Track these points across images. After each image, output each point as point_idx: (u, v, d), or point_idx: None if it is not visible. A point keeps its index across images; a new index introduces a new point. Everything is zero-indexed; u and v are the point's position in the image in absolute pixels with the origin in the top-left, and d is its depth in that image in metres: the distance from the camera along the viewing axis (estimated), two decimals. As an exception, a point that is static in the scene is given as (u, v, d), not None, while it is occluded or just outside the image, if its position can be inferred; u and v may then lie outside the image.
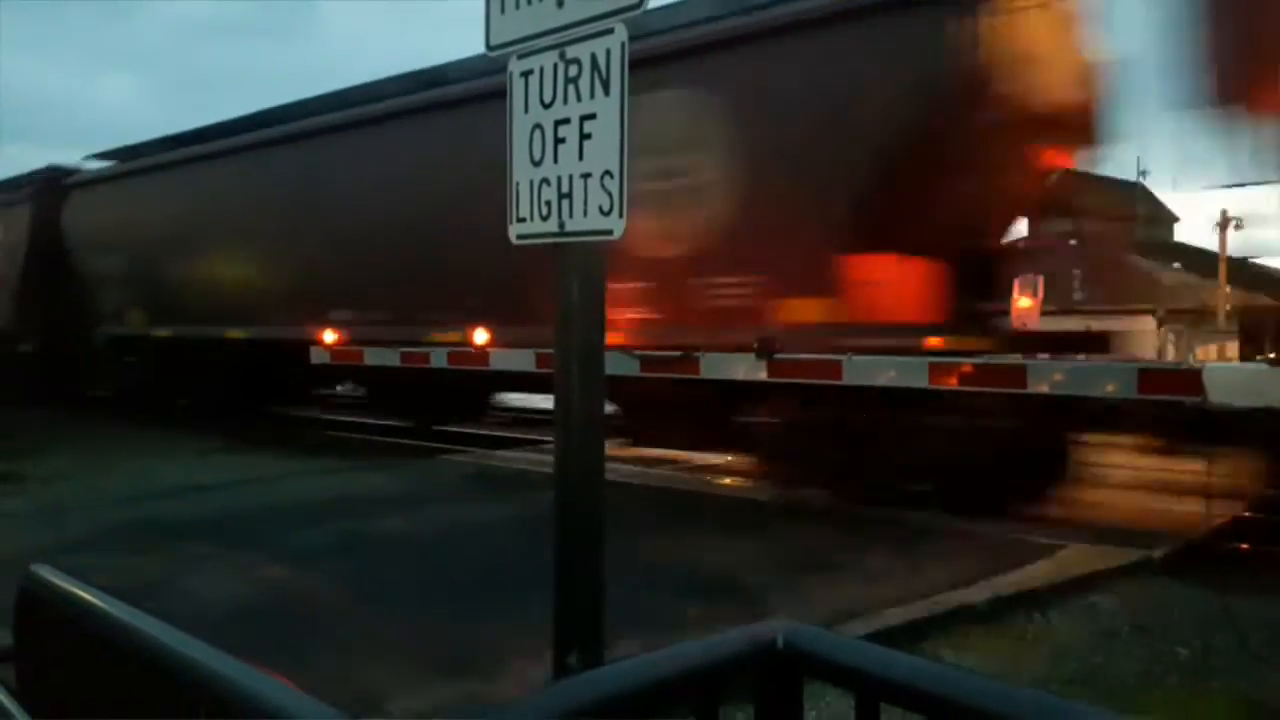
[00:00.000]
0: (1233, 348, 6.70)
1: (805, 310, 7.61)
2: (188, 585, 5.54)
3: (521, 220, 3.38)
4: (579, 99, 3.16)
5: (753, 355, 7.86)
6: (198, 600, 5.27)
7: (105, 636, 1.66)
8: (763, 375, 7.84)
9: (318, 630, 4.82)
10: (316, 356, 11.72)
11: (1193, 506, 7.13)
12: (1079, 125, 7.56)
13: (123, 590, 1.75)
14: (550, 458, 3.45)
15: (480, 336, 9.83)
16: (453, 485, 9.11)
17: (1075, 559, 6.03)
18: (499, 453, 10.96)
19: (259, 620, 4.96)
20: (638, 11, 3.00)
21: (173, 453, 11.47)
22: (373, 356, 11.21)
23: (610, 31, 3.07)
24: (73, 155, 17.23)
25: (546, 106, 3.27)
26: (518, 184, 3.38)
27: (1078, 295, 11.13)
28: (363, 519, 7.38)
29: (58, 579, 1.84)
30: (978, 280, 7.61)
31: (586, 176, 3.14)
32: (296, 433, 13.73)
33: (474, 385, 11.82)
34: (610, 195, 3.07)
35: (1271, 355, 6.28)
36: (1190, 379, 5.92)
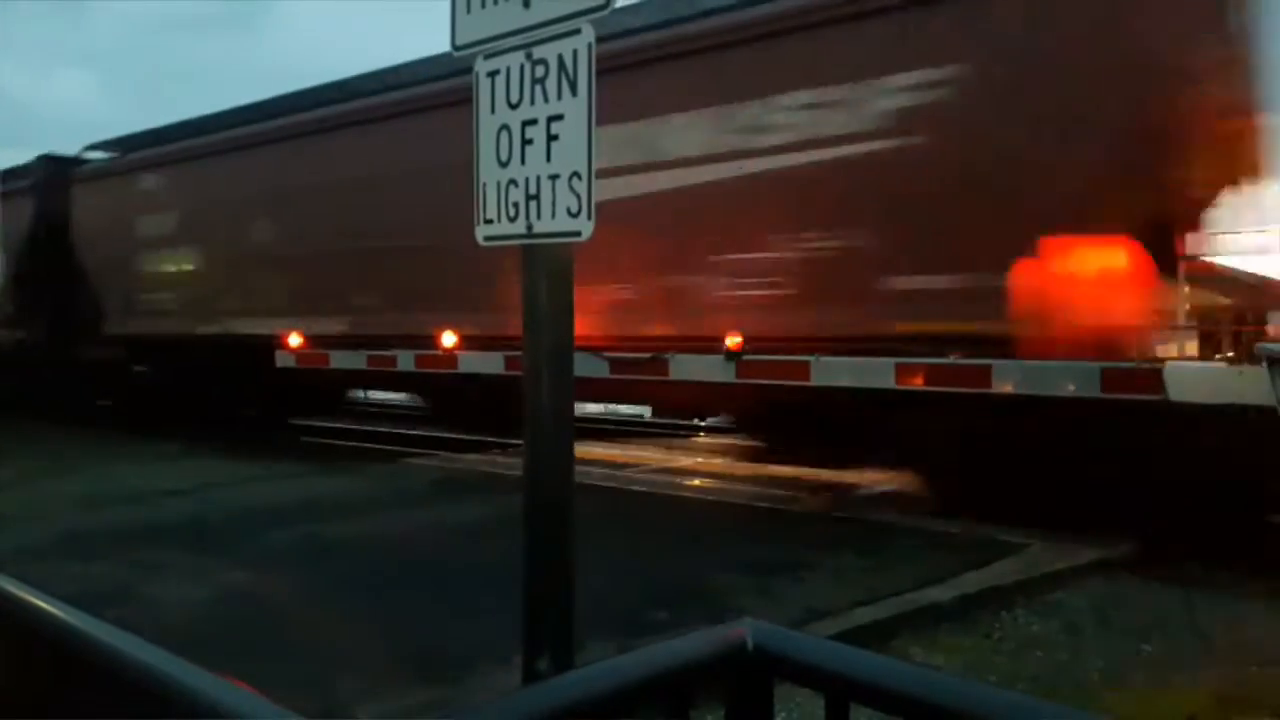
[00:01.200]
0: (1192, 346, 6.79)
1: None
2: (150, 592, 5.46)
3: (489, 221, 3.36)
4: (546, 100, 3.15)
5: (721, 357, 7.89)
6: (160, 607, 5.19)
7: (64, 647, 1.63)
8: (731, 377, 7.86)
9: (283, 636, 4.76)
10: (281, 360, 11.60)
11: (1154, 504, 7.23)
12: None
13: (83, 598, 1.72)
14: (518, 460, 3.43)
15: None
16: (419, 489, 9.05)
17: (1040, 557, 6.09)
18: (466, 456, 10.91)
19: (223, 627, 4.90)
20: (605, 12, 2.99)
21: (136, 457, 11.31)
22: (339, 360, 11.12)
23: (577, 32, 3.06)
24: (29, 154, 16.39)
25: (513, 107, 3.25)
26: (484, 185, 3.36)
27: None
28: (328, 524, 7.32)
29: (13, 587, 1.80)
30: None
31: (554, 178, 3.13)
32: (261, 437, 13.57)
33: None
34: (578, 196, 3.06)
35: (1230, 354, 6.35)
36: (1151, 377, 6.01)
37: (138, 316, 14.16)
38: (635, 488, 8.92)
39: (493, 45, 3.31)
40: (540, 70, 3.16)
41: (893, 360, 7.07)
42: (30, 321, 15.80)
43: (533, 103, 3.19)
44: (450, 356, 9.85)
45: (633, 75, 7.98)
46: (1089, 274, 6.34)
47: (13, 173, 16.46)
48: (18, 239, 15.77)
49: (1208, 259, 6.45)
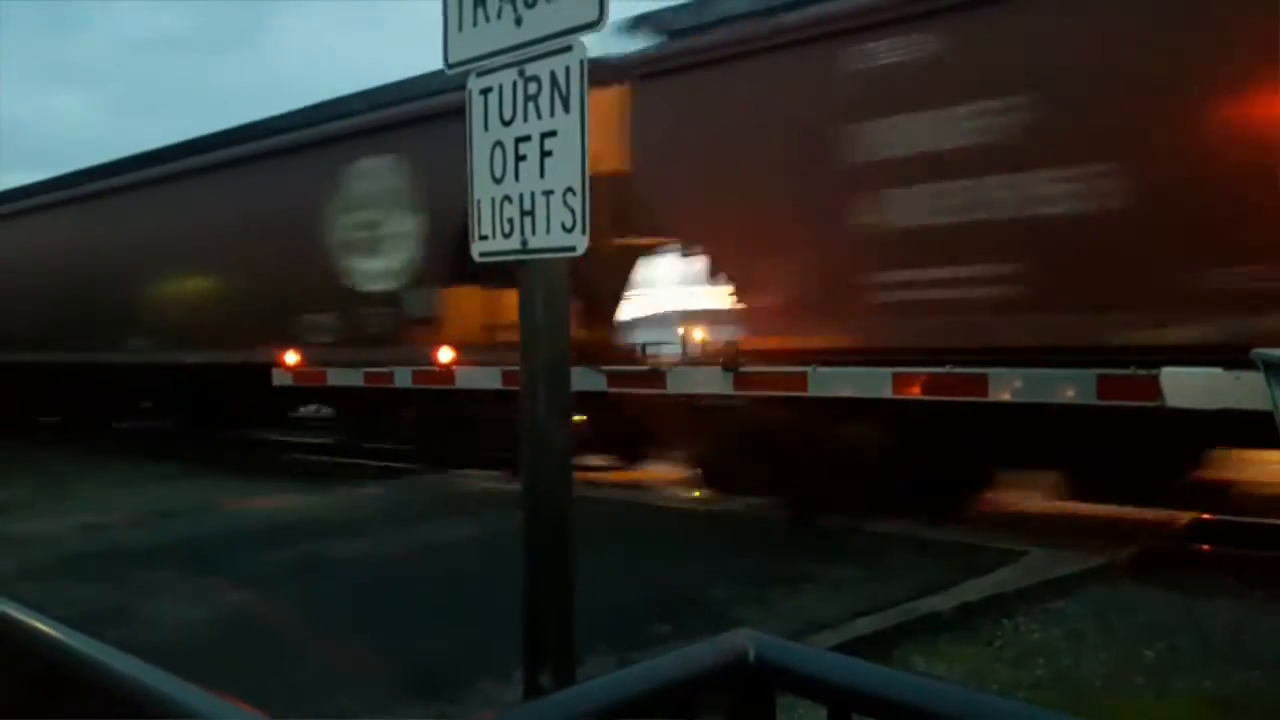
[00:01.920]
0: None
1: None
2: (150, 613, 5.44)
3: (484, 238, 3.38)
4: (539, 116, 3.17)
5: (719, 369, 7.89)
6: (161, 628, 5.17)
7: (65, 669, 1.62)
8: (729, 389, 7.86)
9: (284, 655, 4.75)
10: (278, 379, 11.58)
11: (1154, 510, 7.24)
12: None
13: (83, 619, 1.72)
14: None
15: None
16: (419, 506, 9.03)
17: (1040, 564, 6.09)
18: (466, 471, 10.89)
19: (223, 647, 4.88)
20: (597, 29, 3.01)
21: (133, 479, 11.28)
22: (336, 377, 11.10)
23: (569, 49, 3.08)
24: (26, 176, 15.82)
25: (506, 124, 3.27)
26: (479, 201, 3.38)
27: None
28: (328, 541, 7.29)
29: (14, 610, 1.80)
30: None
31: (549, 194, 3.15)
32: (257, 456, 13.55)
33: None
34: (573, 212, 3.08)
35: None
36: (1148, 383, 6.01)
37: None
38: (633, 499, 8.91)
39: (485, 63, 3.33)
40: (533, 87, 3.18)
41: (890, 370, 7.08)
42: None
43: (526, 119, 3.21)
44: (447, 372, 9.85)
45: None
46: None
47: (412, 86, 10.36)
48: (443, 189, 8.66)
49: None
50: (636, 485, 9.80)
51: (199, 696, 1.32)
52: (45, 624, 1.68)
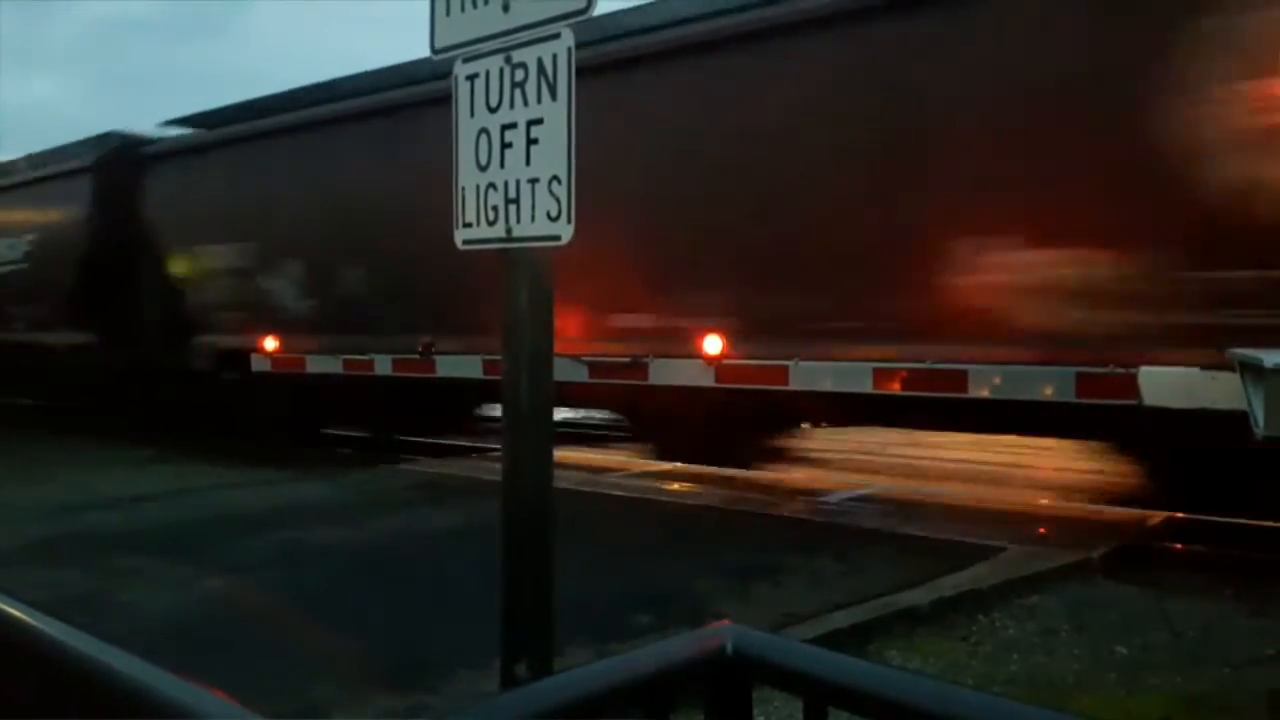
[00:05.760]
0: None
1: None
2: (124, 599, 5.40)
3: (468, 225, 3.36)
4: (525, 103, 3.15)
5: (700, 361, 7.88)
6: (134, 615, 5.13)
7: (36, 654, 1.61)
8: (711, 381, 7.86)
9: (259, 643, 4.72)
10: (257, 364, 11.51)
11: (1128, 508, 7.30)
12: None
13: (55, 605, 1.70)
14: (497, 465, 3.42)
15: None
16: (397, 495, 8.99)
17: (1015, 560, 6.12)
18: (445, 460, 10.86)
19: (198, 634, 4.86)
20: (584, 16, 2.99)
21: (108, 463, 11.18)
22: (315, 364, 11.03)
23: (557, 36, 3.06)
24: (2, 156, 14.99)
25: (492, 111, 3.25)
26: (463, 189, 3.36)
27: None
28: (304, 530, 7.26)
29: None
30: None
31: (534, 182, 3.13)
32: (233, 442, 13.45)
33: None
34: (558, 201, 3.06)
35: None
36: (1126, 382, 6.06)
37: None
38: (614, 492, 8.90)
39: (472, 49, 3.31)
40: (520, 74, 3.16)
41: (870, 365, 7.10)
42: None
43: (512, 106, 3.19)
44: (428, 362, 9.81)
45: None
46: None
47: None
48: None
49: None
50: (618, 477, 9.80)
51: (183, 687, 1.31)
52: (21, 611, 1.66)
